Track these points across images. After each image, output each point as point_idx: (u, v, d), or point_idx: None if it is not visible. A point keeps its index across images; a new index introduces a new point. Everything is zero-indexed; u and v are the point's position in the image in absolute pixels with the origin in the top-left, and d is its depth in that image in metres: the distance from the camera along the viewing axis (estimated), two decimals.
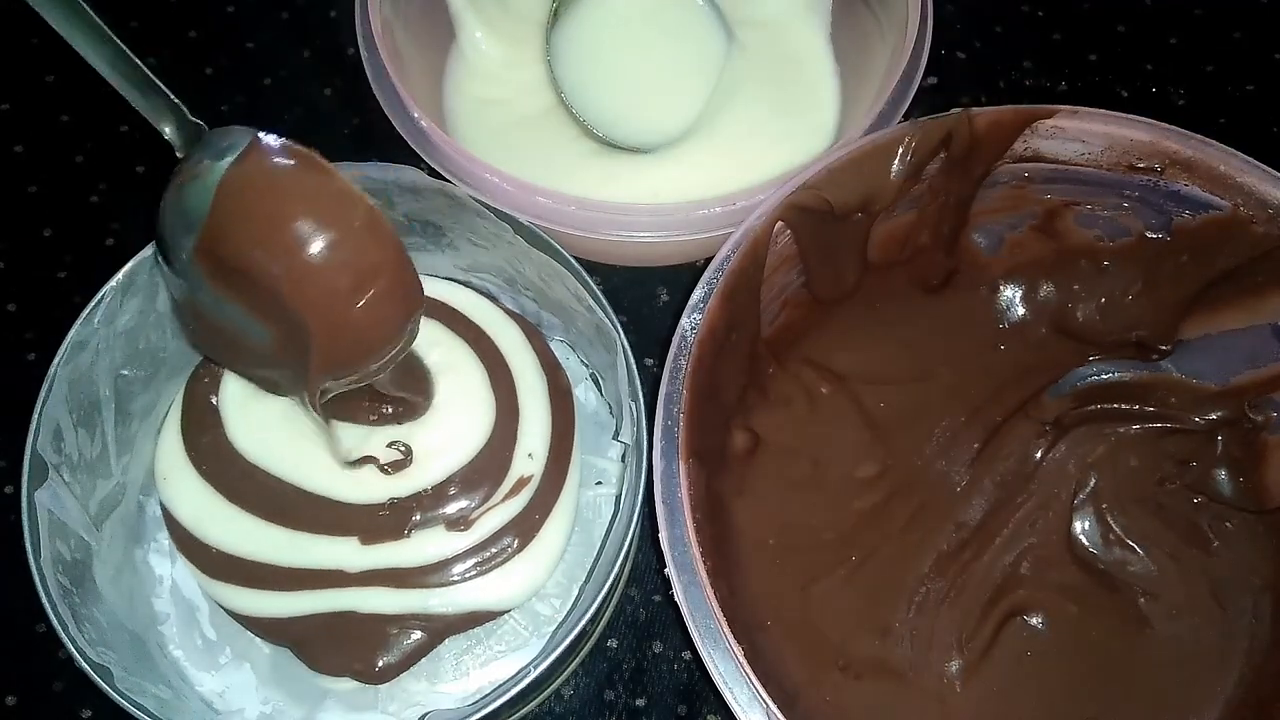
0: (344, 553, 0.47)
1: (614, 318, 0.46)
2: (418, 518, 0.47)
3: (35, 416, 0.43)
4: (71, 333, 0.44)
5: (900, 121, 0.49)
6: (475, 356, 0.50)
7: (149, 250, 0.46)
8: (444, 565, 0.47)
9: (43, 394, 0.43)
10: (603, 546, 0.46)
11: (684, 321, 0.43)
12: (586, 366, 0.53)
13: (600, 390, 0.52)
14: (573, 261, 0.46)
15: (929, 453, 0.51)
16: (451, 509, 0.47)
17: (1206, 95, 0.64)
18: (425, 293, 0.41)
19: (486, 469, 0.48)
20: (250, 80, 0.64)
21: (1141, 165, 0.46)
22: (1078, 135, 0.46)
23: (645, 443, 0.43)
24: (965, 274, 0.52)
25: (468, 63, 0.60)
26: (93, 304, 0.45)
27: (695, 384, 0.42)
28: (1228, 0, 0.67)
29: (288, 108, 0.63)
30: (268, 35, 0.65)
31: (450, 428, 0.48)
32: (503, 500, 0.47)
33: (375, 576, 0.46)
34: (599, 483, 0.51)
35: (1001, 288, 0.52)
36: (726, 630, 0.38)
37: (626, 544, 0.43)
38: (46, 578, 0.41)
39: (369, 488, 0.47)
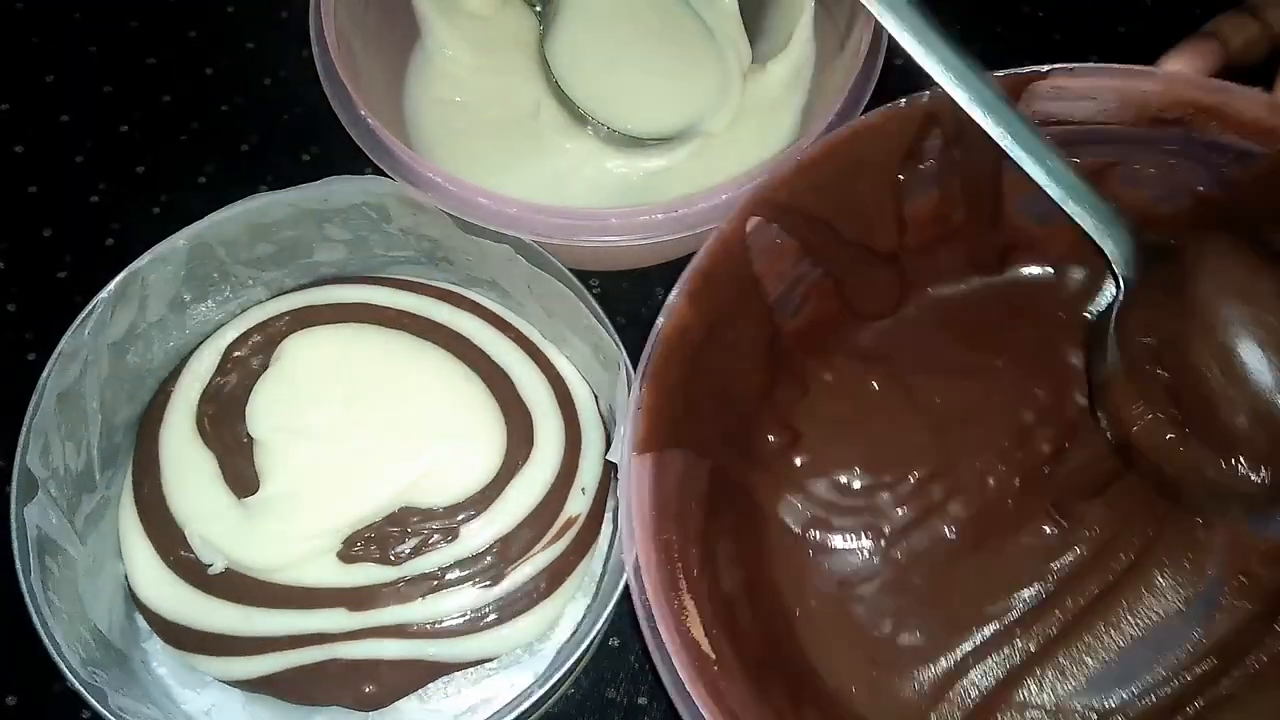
0: (326, 621, 0.44)
1: (615, 334, 0.45)
2: (438, 581, 0.45)
3: (24, 430, 0.42)
4: (61, 344, 0.44)
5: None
6: (547, 385, 0.48)
7: (141, 261, 0.45)
8: (457, 618, 0.44)
9: (31, 406, 0.43)
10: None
11: (657, 321, 0.42)
12: (585, 382, 0.52)
13: (598, 405, 0.51)
14: (572, 278, 0.46)
15: (988, 455, 0.48)
16: (484, 566, 0.45)
17: None
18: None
19: (536, 520, 0.45)
20: (250, 80, 0.64)
21: (1168, 117, 0.44)
22: (1085, 93, 0.44)
23: None
24: (1022, 250, 0.50)
25: (433, 64, 0.58)
26: (83, 315, 0.44)
27: (656, 383, 0.41)
28: (1228, 1, 0.66)
29: (287, 107, 0.63)
30: (268, 35, 0.65)
31: (513, 494, 0.46)
32: (544, 548, 0.45)
33: (369, 632, 0.44)
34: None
35: (1064, 266, 0.50)
36: (662, 608, 0.38)
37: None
38: (37, 597, 0.40)
39: (367, 573, 0.45)
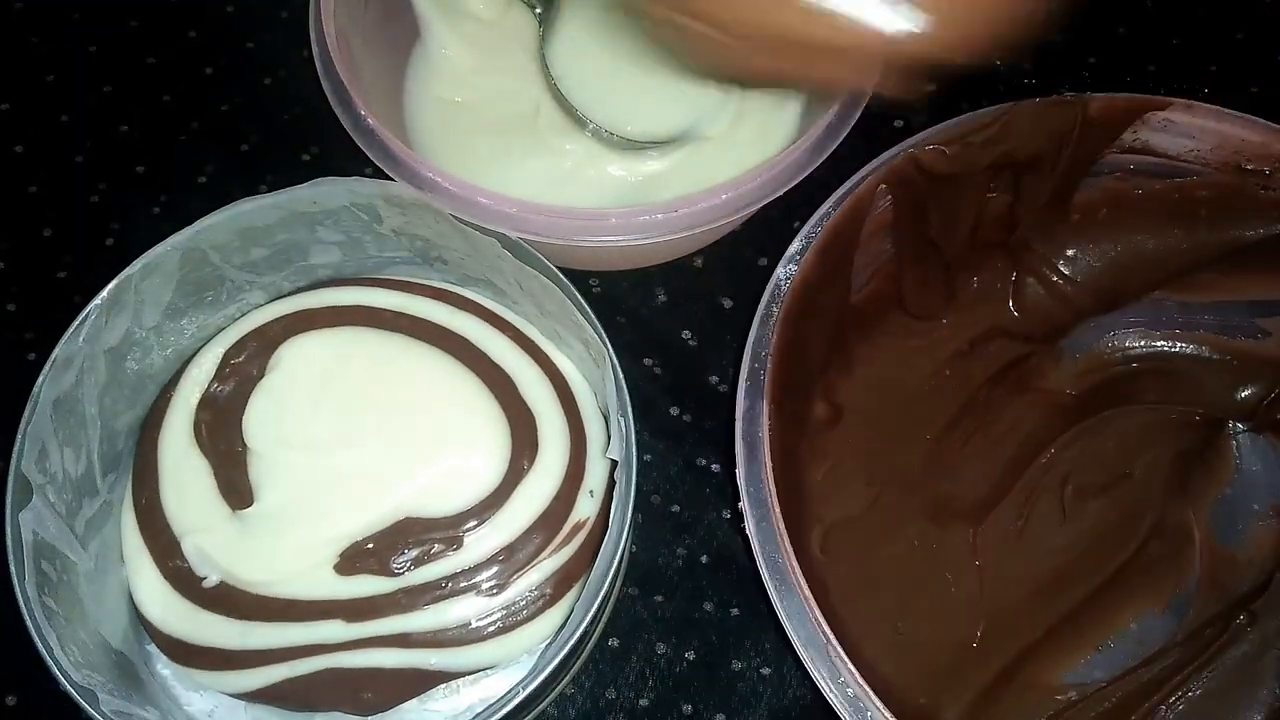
0: (322, 632, 0.44)
1: (602, 332, 0.45)
2: (440, 591, 0.44)
3: (20, 436, 0.42)
4: (56, 351, 0.43)
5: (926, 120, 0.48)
6: (549, 384, 0.47)
7: (133, 268, 0.45)
8: (460, 627, 0.44)
9: (26, 413, 0.42)
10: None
11: (779, 271, 0.43)
12: (586, 380, 0.52)
13: (598, 403, 0.51)
14: (560, 275, 0.46)
15: (1001, 445, 0.51)
16: (488, 574, 0.44)
17: (1209, 97, 0.63)
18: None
19: (544, 526, 0.44)
20: (250, 80, 0.64)
21: (1250, 167, 0.45)
22: (1189, 130, 0.45)
23: (634, 458, 0.43)
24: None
25: (433, 64, 0.58)
26: (77, 322, 0.44)
27: (785, 331, 0.42)
28: (1230, 1, 0.66)
29: (287, 107, 0.63)
30: (268, 35, 0.65)
31: (519, 500, 0.45)
32: (550, 555, 0.45)
33: (368, 642, 0.44)
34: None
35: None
36: (795, 564, 0.39)
37: (617, 559, 0.42)
38: (31, 601, 0.40)
39: (365, 585, 0.44)
